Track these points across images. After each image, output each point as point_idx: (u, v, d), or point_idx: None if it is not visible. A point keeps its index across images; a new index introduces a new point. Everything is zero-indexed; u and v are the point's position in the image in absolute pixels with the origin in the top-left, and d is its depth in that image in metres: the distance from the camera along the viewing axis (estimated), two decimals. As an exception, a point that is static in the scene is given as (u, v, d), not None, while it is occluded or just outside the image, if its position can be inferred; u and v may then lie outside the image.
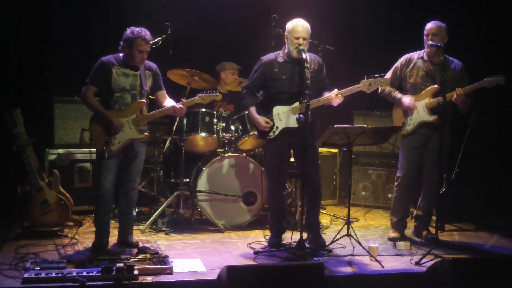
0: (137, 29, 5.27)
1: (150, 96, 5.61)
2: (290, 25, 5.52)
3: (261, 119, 5.59)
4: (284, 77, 5.54)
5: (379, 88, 6.06)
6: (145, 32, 5.28)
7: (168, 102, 5.59)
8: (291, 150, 5.79)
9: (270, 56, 5.66)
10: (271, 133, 5.60)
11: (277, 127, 5.58)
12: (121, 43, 5.32)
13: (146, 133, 5.48)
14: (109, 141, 5.29)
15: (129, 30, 5.28)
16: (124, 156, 5.48)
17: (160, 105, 5.59)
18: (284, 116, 5.55)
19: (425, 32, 5.84)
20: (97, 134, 5.32)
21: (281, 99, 5.57)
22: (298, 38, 5.43)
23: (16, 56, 6.84)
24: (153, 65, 5.57)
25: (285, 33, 5.56)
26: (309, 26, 5.49)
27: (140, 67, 5.40)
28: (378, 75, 5.41)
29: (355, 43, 7.89)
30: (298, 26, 5.46)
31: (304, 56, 5.33)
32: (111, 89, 5.31)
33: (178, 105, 5.43)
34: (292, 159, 6.01)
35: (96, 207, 5.49)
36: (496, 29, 7.27)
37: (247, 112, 6.43)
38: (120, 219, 5.60)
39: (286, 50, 5.58)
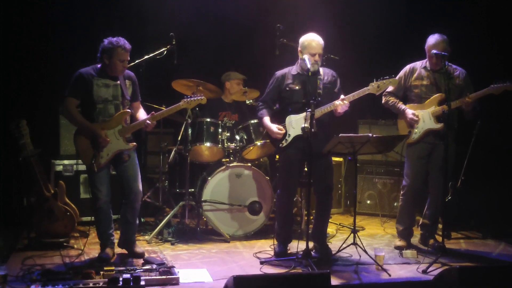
0: (115, 39, 5.23)
1: None
2: (305, 40, 5.58)
3: (274, 127, 5.63)
4: (297, 87, 5.60)
5: (383, 99, 6.12)
6: (123, 41, 5.24)
7: (141, 113, 5.55)
8: (305, 160, 5.76)
9: (284, 70, 5.77)
10: (283, 141, 5.62)
11: (289, 134, 5.61)
12: (99, 54, 5.27)
13: (134, 143, 5.42)
14: (96, 154, 5.23)
15: (106, 41, 5.24)
16: (116, 166, 5.44)
17: (133, 115, 5.54)
18: (297, 124, 5.56)
19: (427, 47, 5.86)
20: (84, 148, 5.26)
21: (295, 108, 5.62)
22: (314, 55, 5.51)
23: (22, 67, 6.86)
24: (132, 74, 5.53)
25: (299, 48, 5.61)
26: (322, 41, 5.57)
27: (120, 77, 5.35)
28: (387, 77, 5.46)
29: (360, 51, 7.89)
30: (314, 42, 5.53)
31: (308, 65, 5.40)
32: (93, 101, 5.25)
33: (147, 122, 5.35)
34: (306, 169, 5.99)
35: (96, 220, 5.49)
36: (500, 35, 7.27)
37: (251, 121, 6.47)
38: (124, 228, 5.55)
39: (299, 64, 5.63)
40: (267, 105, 5.80)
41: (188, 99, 5.57)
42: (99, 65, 5.32)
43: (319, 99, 5.31)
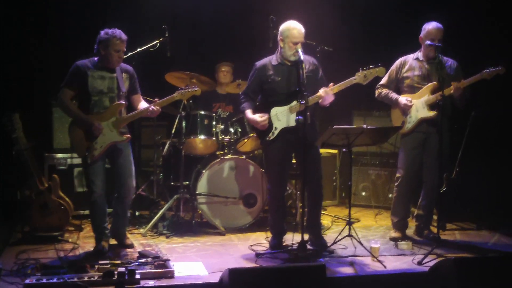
0: (110, 30, 5.27)
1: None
2: (286, 29, 5.50)
3: (256, 116, 5.56)
4: (279, 79, 5.54)
5: (376, 92, 6.16)
6: (119, 32, 5.27)
7: (143, 105, 5.55)
8: (293, 152, 5.75)
9: (264, 60, 5.67)
10: (270, 134, 5.57)
11: (276, 127, 5.56)
12: (96, 46, 5.30)
13: (128, 135, 5.42)
14: (90, 146, 5.25)
15: (102, 32, 5.28)
16: (111, 160, 5.45)
17: (135, 108, 5.55)
18: (283, 116, 5.53)
19: (425, 35, 5.86)
20: (78, 140, 5.28)
21: (278, 100, 5.56)
22: (296, 44, 5.44)
23: (15, 60, 6.82)
24: (130, 68, 5.55)
25: (280, 37, 5.55)
26: (303, 29, 5.49)
27: (117, 69, 5.37)
28: (373, 66, 5.40)
29: (353, 42, 7.87)
30: (296, 30, 5.45)
31: (302, 57, 5.32)
32: (88, 93, 5.27)
33: (152, 107, 5.38)
34: (293, 161, 5.99)
35: (91, 213, 5.49)
36: (496, 23, 7.26)
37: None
38: (114, 220, 5.57)
39: (279, 53, 5.58)
40: (248, 97, 5.74)
41: (183, 91, 5.57)
42: (96, 58, 5.35)
43: (306, 93, 5.19)
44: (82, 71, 5.26)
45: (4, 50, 6.75)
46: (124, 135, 5.39)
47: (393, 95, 6.04)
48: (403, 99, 5.93)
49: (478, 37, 7.28)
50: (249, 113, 5.65)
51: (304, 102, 5.14)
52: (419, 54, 6.02)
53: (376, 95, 6.17)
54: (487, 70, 5.73)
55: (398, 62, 6.11)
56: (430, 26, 5.84)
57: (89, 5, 7.11)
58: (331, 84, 5.43)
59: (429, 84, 5.88)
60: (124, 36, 5.28)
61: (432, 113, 5.84)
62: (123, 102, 5.37)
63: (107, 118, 5.29)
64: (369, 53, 7.70)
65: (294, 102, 5.46)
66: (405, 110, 5.93)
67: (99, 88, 5.29)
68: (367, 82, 5.44)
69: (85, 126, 5.24)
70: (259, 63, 5.68)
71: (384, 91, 6.10)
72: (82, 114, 5.26)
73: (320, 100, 5.43)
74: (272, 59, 5.63)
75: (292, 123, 5.42)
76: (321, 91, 5.40)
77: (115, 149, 5.38)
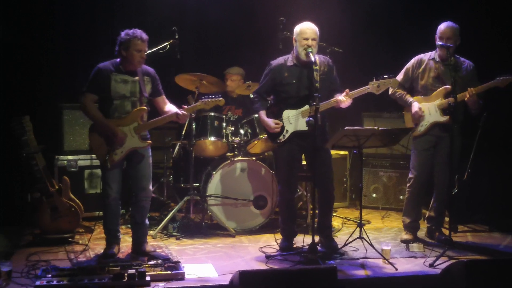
0: (131, 30, 5.17)
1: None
2: (298, 27, 5.52)
3: (271, 121, 5.58)
4: (293, 81, 5.52)
5: (390, 90, 6.05)
6: (140, 32, 5.18)
7: (169, 107, 5.44)
8: (303, 154, 5.75)
9: (279, 60, 5.64)
10: (281, 137, 5.56)
11: (287, 130, 5.55)
12: (116, 47, 5.20)
13: (149, 141, 5.35)
14: (111, 151, 5.18)
15: (122, 33, 5.18)
16: (129, 163, 5.37)
17: (160, 110, 5.45)
18: (294, 120, 5.52)
19: (438, 34, 5.80)
20: (98, 144, 5.20)
21: (291, 103, 5.55)
22: (307, 39, 5.41)
23: (25, 63, 6.84)
24: (151, 70, 5.44)
25: (294, 36, 5.55)
26: (317, 28, 5.47)
27: (138, 73, 5.27)
28: (386, 76, 5.37)
29: (363, 44, 7.85)
30: (306, 27, 5.45)
31: (312, 58, 5.30)
32: (110, 97, 5.19)
33: (181, 112, 5.29)
34: (304, 162, 5.97)
35: (104, 216, 5.42)
36: (507, 28, 7.22)
37: (256, 115, 6.42)
38: (133, 228, 5.49)
39: (295, 54, 5.56)
40: (261, 97, 5.73)
41: (206, 100, 5.43)
42: (118, 60, 5.26)
43: (317, 94, 5.13)
44: (105, 75, 5.17)
45: (13, 53, 6.77)
46: (145, 140, 5.33)
47: (408, 98, 5.98)
48: (415, 106, 5.88)
49: (489, 42, 7.24)
50: (263, 114, 5.66)
51: (314, 103, 5.12)
52: (435, 54, 5.96)
53: (390, 93, 6.05)
54: (501, 78, 5.64)
55: (414, 60, 6.05)
56: (443, 25, 5.77)
57: (98, 7, 7.12)
58: (346, 90, 5.40)
59: (442, 87, 5.83)
60: (145, 36, 5.19)
61: (444, 118, 5.79)
62: (145, 108, 5.30)
63: (128, 123, 5.22)
64: (376, 55, 7.71)
65: (306, 107, 5.45)
66: (415, 118, 5.89)
67: (122, 92, 5.20)
68: (380, 92, 5.39)
69: (107, 132, 5.15)
70: (274, 63, 5.65)
71: (399, 92, 6.04)
72: (106, 121, 5.16)
73: (335, 105, 5.42)
74: (288, 60, 5.60)
75: (302, 127, 5.40)
76: (339, 98, 5.37)
77: (135, 152, 5.32)
